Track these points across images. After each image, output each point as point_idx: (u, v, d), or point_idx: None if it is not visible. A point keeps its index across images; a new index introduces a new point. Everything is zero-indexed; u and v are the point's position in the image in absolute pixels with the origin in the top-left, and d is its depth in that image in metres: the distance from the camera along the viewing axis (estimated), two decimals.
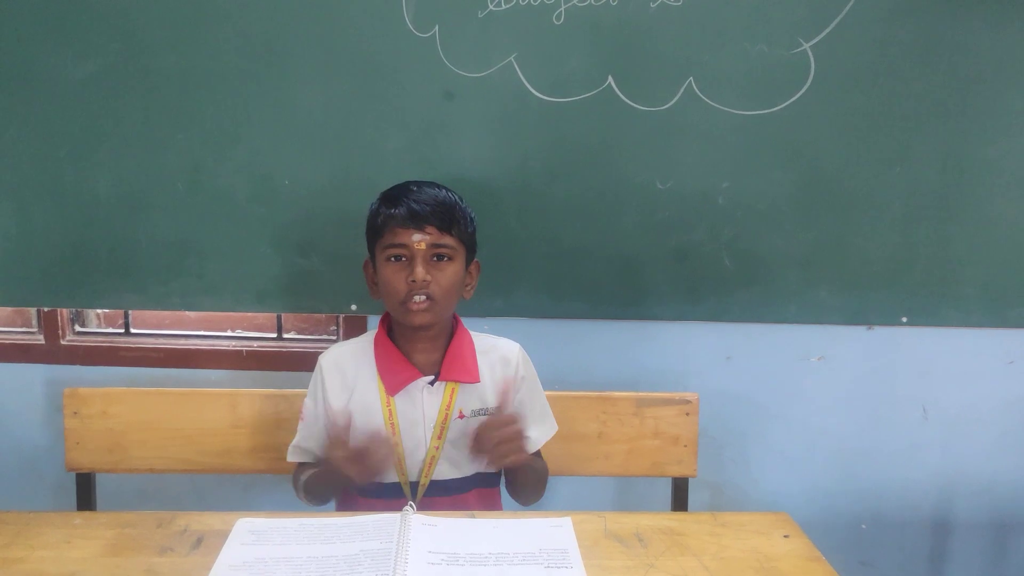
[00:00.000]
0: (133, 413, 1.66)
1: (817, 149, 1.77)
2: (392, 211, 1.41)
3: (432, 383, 1.46)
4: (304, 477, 1.47)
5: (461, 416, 1.47)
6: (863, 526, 2.01)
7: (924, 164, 1.78)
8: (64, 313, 1.95)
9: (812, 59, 1.72)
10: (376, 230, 1.44)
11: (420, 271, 1.38)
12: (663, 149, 1.76)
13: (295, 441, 1.51)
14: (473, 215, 1.48)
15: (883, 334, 1.90)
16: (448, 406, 1.46)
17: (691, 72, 1.73)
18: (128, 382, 1.81)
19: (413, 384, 1.45)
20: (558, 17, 1.71)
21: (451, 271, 1.42)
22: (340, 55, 1.73)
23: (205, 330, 1.99)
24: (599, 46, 1.72)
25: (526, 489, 1.51)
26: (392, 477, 1.46)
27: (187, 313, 1.94)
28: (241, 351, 1.93)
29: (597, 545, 1.22)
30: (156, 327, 2.00)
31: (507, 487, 1.55)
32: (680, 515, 1.38)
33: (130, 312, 1.97)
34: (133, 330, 1.99)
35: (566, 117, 1.75)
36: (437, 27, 1.72)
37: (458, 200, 1.46)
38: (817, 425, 1.96)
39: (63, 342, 1.95)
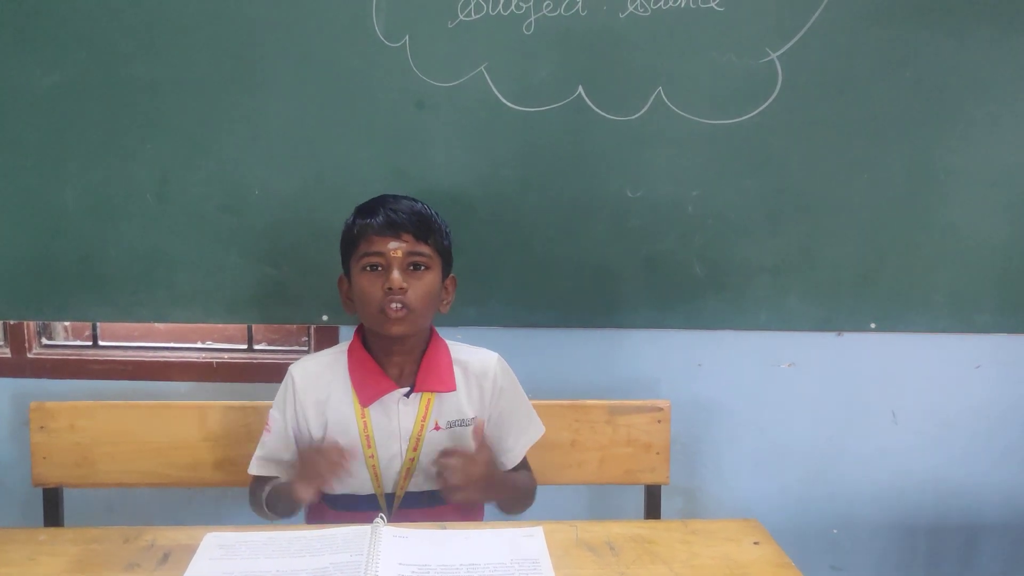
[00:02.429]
0: (101, 427, 1.64)
1: (785, 157, 1.79)
2: (368, 220, 1.41)
3: (408, 395, 1.45)
4: (266, 491, 1.45)
5: (437, 428, 1.46)
6: (834, 531, 2.02)
7: (891, 172, 1.80)
8: (31, 326, 1.92)
9: (779, 69, 1.74)
10: (352, 241, 1.44)
11: (396, 277, 1.38)
12: (633, 158, 1.77)
13: (258, 453, 1.49)
14: (448, 229, 1.48)
15: (852, 340, 1.92)
16: (424, 418, 1.46)
17: (660, 82, 1.74)
18: (96, 395, 1.78)
19: (388, 396, 1.44)
20: (528, 27, 1.72)
21: (428, 280, 1.42)
22: (310, 65, 1.73)
23: (174, 342, 1.97)
24: (569, 56, 1.73)
25: (506, 505, 1.51)
26: (367, 489, 1.46)
27: (156, 325, 1.92)
28: (211, 363, 1.92)
29: (568, 554, 1.22)
30: (125, 339, 1.98)
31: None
32: (651, 523, 1.39)
33: (98, 324, 1.95)
34: (101, 342, 1.96)
35: (537, 126, 1.75)
36: (407, 37, 1.72)
37: (434, 213, 1.46)
38: (788, 431, 1.97)
39: (29, 355, 1.92)
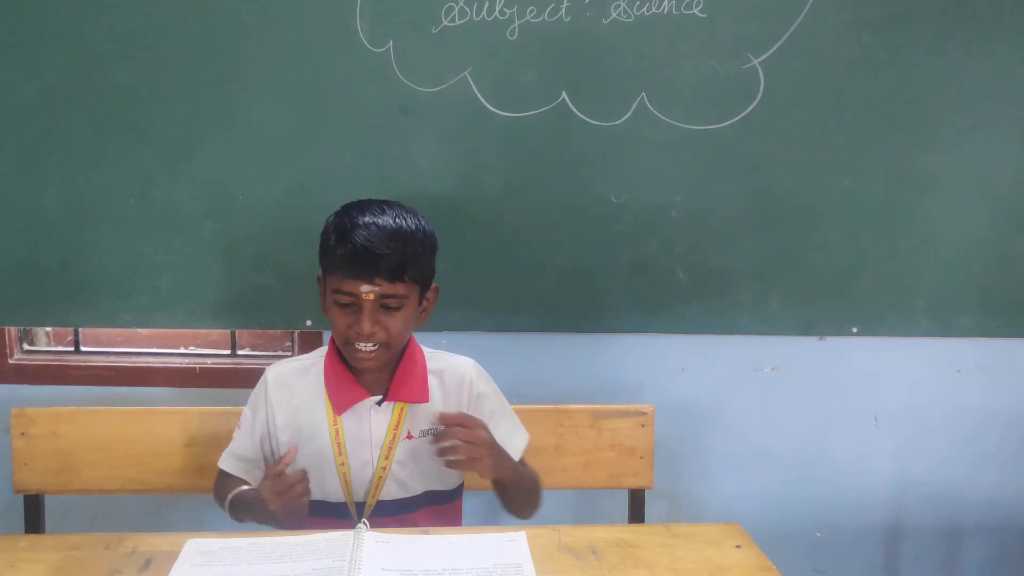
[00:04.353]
0: (83, 433, 1.63)
1: (767, 163, 1.80)
2: (340, 251, 1.33)
3: (380, 403, 1.43)
4: (232, 494, 1.42)
5: (409, 437, 1.44)
6: (817, 534, 2.03)
7: (872, 177, 1.82)
8: (12, 331, 1.91)
9: (761, 75, 1.75)
10: (325, 263, 1.39)
11: (367, 325, 1.34)
12: (617, 163, 1.78)
13: (229, 448, 1.49)
14: (432, 240, 1.41)
15: (834, 344, 1.93)
16: (396, 426, 1.44)
17: (644, 87, 1.75)
18: (78, 401, 1.77)
19: (361, 404, 1.43)
20: (512, 33, 1.72)
21: (401, 317, 1.37)
22: (294, 70, 1.72)
23: (157, 347, 1.97)
24: (553, 61, 1.74)
25: (519, 500, 1.49)
26: (338, 496, 1.44)
27: (139, 330, 1.91)
28: (194, 368, 1.91)
29: (551, 559, 1.22)
30: (107, 345, 1.97)
31: (500, 500, 1.52)
32: (634, 527, 1.40)
33: (80, 329, 1.94)
34: (83, 348, 1.95)
35: (521, 132, 1.76)
36: (391, 42, 1.72)
37: (415, 229, 1.37)
38: (770, 435, 1.98)
39: (11, 361, 1.91)
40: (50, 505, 1.66)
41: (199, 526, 1.87)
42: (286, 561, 1.17)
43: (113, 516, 1.89)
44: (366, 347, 1.36)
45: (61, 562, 1.21)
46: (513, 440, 1.50)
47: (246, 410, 1.49)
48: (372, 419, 1.44)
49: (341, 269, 1.34)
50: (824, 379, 1.96)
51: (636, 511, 1.71)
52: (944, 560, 2.07)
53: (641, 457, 1.70)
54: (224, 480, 1.48)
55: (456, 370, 1.49)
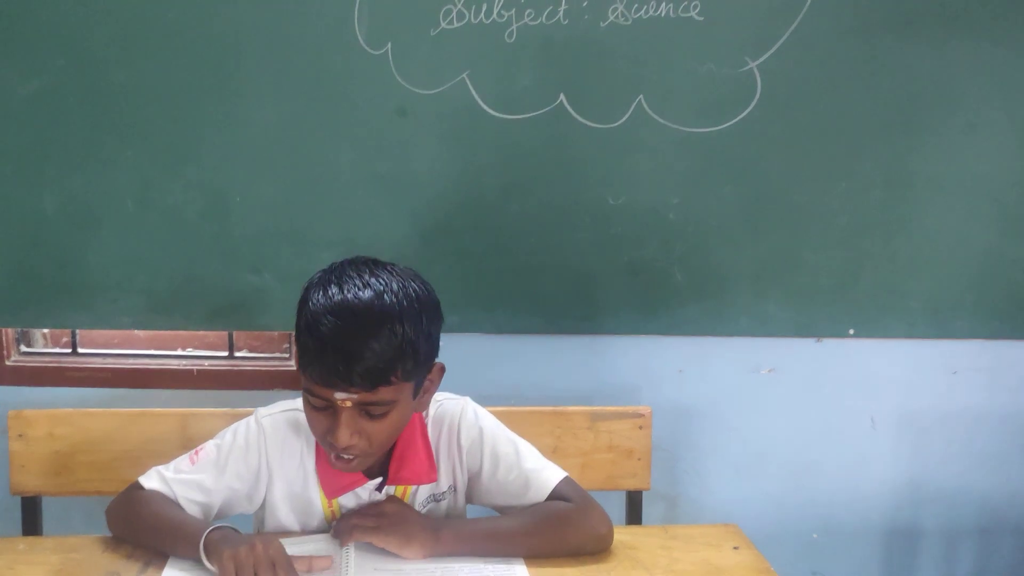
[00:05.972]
0: (80, 435, 1.63)
1: (765, 165, 1.80)
2: (310, 342, 1.08)
3: (380, 488, 1.24)
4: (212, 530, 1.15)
5: None
6: (814, 535, 2.04)
7: (869, 180, 1.82)
8: (9, 333, 1.91)
9: (759, 77, 1.76)
10: (299, 344, 1.13)
11: (343, 437, 1.10)
12: (615, 166, 1.78)
13: (172, 474, 1.25)
14: (432, 316, 1.15)
15: (831, 346, 1.93)
16: None
17: (641, 90, 1.75)
18: (75, 403, 1.77)
19: (359, 487, 1.24)
20: (510, 35, 1.73)
21: (387, 423, 1.13)
22: (292, 72, 1.72)
23: (155, 349, 1.96)
24: (551, 64, 1.74)
25: (534, 552, 1.21)
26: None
27: (136, 332, 1.91)
28: (192, 370, 1.91)
29: (549, 561, 1.22)
30: (104, 346, 1.96)
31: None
32: (632, 529, 1.39)
33: (77, 331, 1.94)
34: (80, 350, 1.95)
35: (519, 134, 1.76)
36: (390, 44, 1.72)
37: (404, 311, 1.08)
38: (768, 436, 1.99)
39: (8, 363, 1.90)
40: (47, 507, 1.66)
41: None
42: None
43: None
44: (345, 455, 1.14)
45: (60, 564, 1.20)
46: (533, 484, 1.26)
47: (210, 446, 1.27)
48: (371, 501, 1.25)
49: (311, 366, 1.09)
50: (821, 381, 1.97)
51: (634, 513, 1.70)
52: (941, 561, 2.07)
53: (639, 459, 1.70)
54: (153, 498, 1.23)
55: (445, 419, 1.29)
